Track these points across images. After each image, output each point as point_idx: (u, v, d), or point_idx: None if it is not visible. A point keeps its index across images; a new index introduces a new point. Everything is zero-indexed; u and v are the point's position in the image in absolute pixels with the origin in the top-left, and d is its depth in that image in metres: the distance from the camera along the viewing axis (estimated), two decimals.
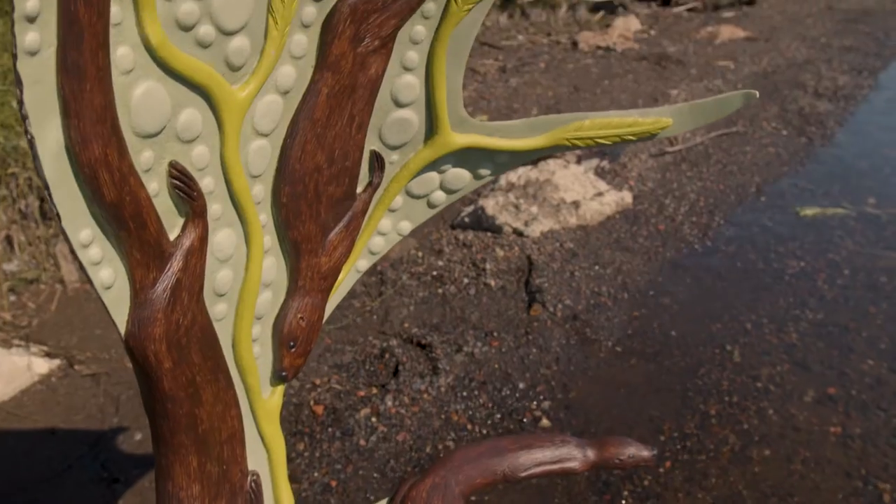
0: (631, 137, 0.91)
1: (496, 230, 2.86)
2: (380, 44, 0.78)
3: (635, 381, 2.13)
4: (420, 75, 0.83)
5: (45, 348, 2.36)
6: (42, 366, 2.25)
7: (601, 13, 5.90)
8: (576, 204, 2.95)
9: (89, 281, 0.66)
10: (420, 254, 2.76)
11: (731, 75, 4.95)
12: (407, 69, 0.82)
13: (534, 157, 0.93)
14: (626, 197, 3.12)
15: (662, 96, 4.40)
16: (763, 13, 6.81)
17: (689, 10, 6.45)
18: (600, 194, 3.05)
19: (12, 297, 2.64)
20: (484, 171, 0.93)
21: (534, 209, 2.90)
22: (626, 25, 5.57)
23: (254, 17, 0.69)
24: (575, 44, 5.26)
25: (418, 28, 0.80)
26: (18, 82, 0.55)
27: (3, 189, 2.89)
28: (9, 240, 2.86)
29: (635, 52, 5.30)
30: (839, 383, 2.08)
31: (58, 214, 0.61)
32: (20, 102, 0.56)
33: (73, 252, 0.64)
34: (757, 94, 0.90)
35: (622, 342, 2.30)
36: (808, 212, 3.22)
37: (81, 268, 0.65)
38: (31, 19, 0.54)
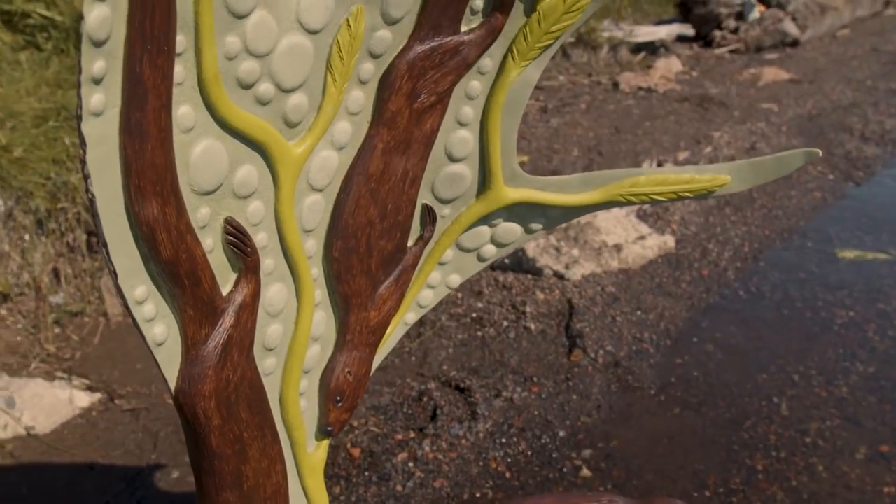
0: (688, 194, 0.89)
1: (537, 272, 2.84)
2: (436, 100, 0.78)
3: (679, 432, 2.07)
4: (474, 130, 0.83)
5: (86, 381, 2.38)
6: (83, 399, 2.27)
7: (642, 54, 5.89)
8: (617, 247, 2.92)
9: (142, 337, 0.66)
10: (459, 295, 2.75)
11: (776, 118, 4.89)
12: (462, 124, 0.82)
13: (587, 212, 0.92)
14: (669, 241, 3.08)
15: (705, 138, 4.36)
16: (807, 55, 6.74)
17: (732, 51, 6.42)
18: (642, 238, 3.01)
19: (57, 330, 2.67)
20: (536, 226, 0.91)
21: (575, 252, 2.87)
22: (668, 66, 5.55)
23: (313, 75, 0.69)
24: (616, 84, 5.25)
25: (474, 83, 0.80)
26: (82, 142, 0.55)
27: (53, 223, 2.95)
28: (56, 272, 2.91)
29: (677, 93, 5.27)
30: (893, 440, 2.01)
31: (114, 272, 0.61)
32: (82, 162, 0.56)
33: (126, 308, 0.64)
34: (820, 152, 0.88)
35: (665, 390, 2.25)
36: (848, 254, 3.15)
37: (135, 324, 0.65)
38: (98, 81, 0.54)
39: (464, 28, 0.76)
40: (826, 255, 3.16)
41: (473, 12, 0.76)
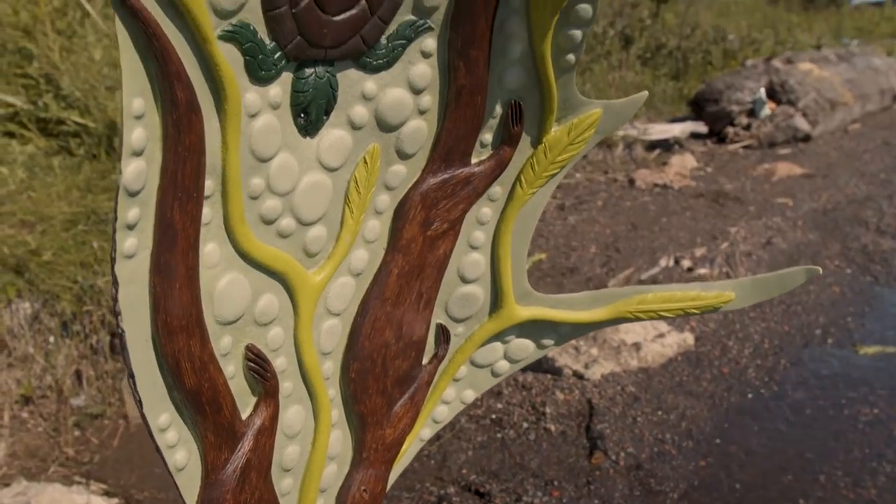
0: (694, 311, 0.91)
1: (556, 372, 2.83)
2: (448, 226, 0.82)
3: None
4: (486, 253, 0.86)
5: (104, 486, 2.38)
6: None
7: (657, 151, 6.01)
8: (636, 346, 2.92)
9: (164, 462, 0.68)
10: (479, 396, 2.74)
11: (791, 212, 4.93)
12: (473, 248, 0.86)
13: (597, 328, 0.94)
14: (688, 338, 3.08)
15: (721, 234, 4.39)
16: (819, 149, 6.84)
17: (745, 147, 6.53)
18: (661, 336, 3.01)
19: (77, 432, 2.69)
20: (547, 342, 0.94)
21: (594, 351, 2.87)
22: (683, 163, 5.65)
23: (331, 208, 0.74)
24: (632, 181, 5.34)
25: (485, 210, 0.84)
26: (115, 283, 0.59)
27: (78, 325, 3.00)
28: (78, 374, 2.95)
29: (692, 189, 5.34)
30: None
31: (139, 401, 0.64)
32: (114, 300, 0.60)
33: (150, 435, 0.66)
34: (820, 270, 0.90)
35: (689, 494, 2.21)
36: (870, 350, 3.12)
37: (157, 450, 0.67)
38: (131, 227, 0.58)
39: (474, 160, 0.81)
40: (847, 352, 3.13)
41: (483, 145, 0.80)
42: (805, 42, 11.10)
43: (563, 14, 0.73)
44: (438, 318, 0.88)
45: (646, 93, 0.84)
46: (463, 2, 0.70)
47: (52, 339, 3.03)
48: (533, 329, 0.92)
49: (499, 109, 0.79)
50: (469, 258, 0.86)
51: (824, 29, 14.27)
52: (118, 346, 2.99)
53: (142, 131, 0.56)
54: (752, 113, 6.73)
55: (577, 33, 0.74)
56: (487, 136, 0.80)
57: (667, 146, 6.20)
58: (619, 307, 0.91)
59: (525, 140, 0.81)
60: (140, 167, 0.57)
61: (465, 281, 0.87)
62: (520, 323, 0.90)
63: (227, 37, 0.59)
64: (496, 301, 0.89)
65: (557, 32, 0.74)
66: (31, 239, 3.26)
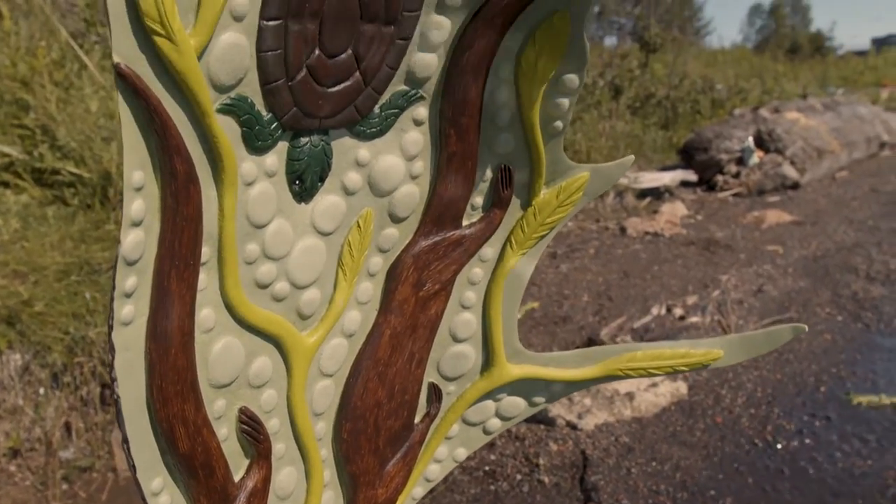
0: (683, 368, 0.92)
1: (549, 422, 2.82)
2: (440, 287, 0.83)
3: None
4: (477, 313, 0.87)
5: None
6: None
7: (648, 199, 6.07)
8: (630, 395, 2.91)
9: None
10: (471, 453, 2.72)
11: (781, 260, 4.97)
12: (465, 307, 0.87)
13: (588, 385, 0.95)
14: (681, 387, 3.07)
15: (713, 282, 4.42)
16: (808, 197, 6.92)
17: (735, 195, 6.60)
18: (654, 385, 3.01)
19: (65, 486, 2.65)
20: (539, 399, 0.95)
21: (587, 401, 2.87)
22: (673, 211, 5.70)
23: (325, 272, 0.75)
24: (623, 230, 5.38)
25: (476, 270, 0.85)
26: (111, 349, 0.60)
27: (68, 376, 2.98)
28: (67, 426, 2.92)
29: (683, 237, 5.39)
30: None
31: (133, 466, 0.64)
32: (110, 367, 0.60)
33: (143, 499, 0.66)
34: (805, 328, 0.92)
35: None
36: (863, 399, 3.12)
37: None
38: (129, 295, 0.60)
39: (465, 222, 0.82)
40: (840, 401, 3.13)
41: (473, 208, 0.82)
42: (791, 91, 11.31)
43: (551, 83, 0.75)
44: (430, 376, 0.89)
45: (632, 157, 0.86)
46: (454, 73, 0.73)
47: (42, 390, 3.01)
48: (524, 387, 0.93)
49: (489, 173, 0.81)
50: (461, 318, 0.87)
51: (810, 78, 14.55)
52: (109, 397, 2.97)
53: (141, 202, 0.58)
54: (740, 161, 6.82)
55: (565, 101, 0.76)
56: (478, 199, 0.82)
57: (657, 194, 6.26)
58: (610, 365, 0.92)
59: (515, 203, 0.83)
60: (139, 237, 0.58)
61: (456, 340, 0.88)
62: (511, 381, 0.91)
63: (226, 110, 0.61)
64: (488, 360, 0.90)
65: (545, 101, 0.76)
66: (24, 290, 3.26)
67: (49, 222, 3.99)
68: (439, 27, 0.70)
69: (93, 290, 3.28)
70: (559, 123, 0.78)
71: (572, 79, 0.75)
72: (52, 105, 4.45)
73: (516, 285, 0.87)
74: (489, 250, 0.85)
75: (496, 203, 0.82)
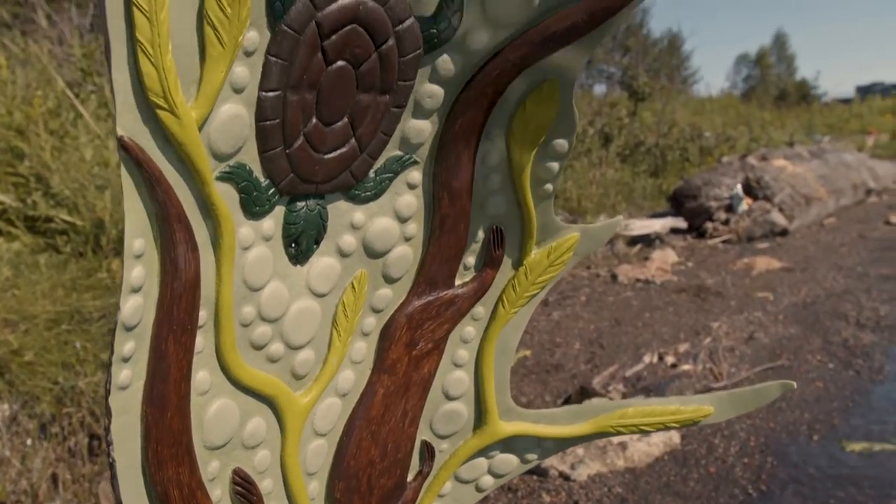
0: (674, 425, 0.93)
1: (542, 473, 2.80)
2: (433, 346, 0.84)
3: None
4: (470, 371, 0.88)
5: None
6: None
7: (638, 246, 6.11)
8: (622, 445, 2.90)
9: None
10: None
11: (772, 307, 4.99)
12: (458, 366, 0.88)
13: (580, 442, 0.95)
14: (674, 437, 3.06)
15: (704, 329, 4.43)
16: (797, 243, 6.97)
17: (724, 241, 6.65)
18: (647, 434, 3.00)
19: None
20: (531, 456, 0.95)
21: (580, 451, 2.85)
22: (664, 258, 5.74)
23: (320, 332, 0.76)
24: (614, 277, 5.41)
25: (468, 329, 0.87)
26: (108, 413, 0.61)
27: (56, 427, 2.95)
28: (54, 478, 2.88)
29: (674, 284, 5.41)
30: None
31: None
32: (106, 430, 0.61)
33: None
34: (794, 384, 0.93)
35: None
36: (856, 447, 3.12)
37: None
38: (127, 360, 0.60)
39: (458, 282, 0.84)
40: (833, 448, 3.12)
41: (466, 268, 0.84)
42: (778, 139, 11.47)
43: (541, 147, 0.77)
44: (423, 434, 0.90)
45: (620, 217, 0.88)
46: (447, 139, 0.75)
47: (29, 441, 2.98)
48: (517, 444, 0.93)
49: (481, 234, 0.83)
50: (453, 376, 0.88)
51: (796, 125, 14.77)
52: (97, 448, 2.94)
53: (141, 269, 0.59)
54: (729, 208, 6.88)
55: (555, 165, 0.79)
56: (470, 259, 0.84)
57: (648, 241, 6.31)
58: (601, 422, 0.92)
59: (507, 262, 0.85)
60: (138, 303, 0.60)
61: (449, 398, 0.89)
62: (504, 438, 0.92)
63: (225, 177, 0.63)
64: (480, 417, 0.91)
65: (536, 165, 0.78)
66: (14, 339, 3.24)
67: (41, 270, 3.98)
68: (433, 96, 0.72)
69: (83, 340, 3.27)
70: (549, 186, 0.80)
71: (562, 143, 0.77)
72: (47, 153, 4.48)
73: (508, 343, 0.88)
74: (481, 309, 0.86)
75: (488, 263, 0.84)
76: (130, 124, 0.55)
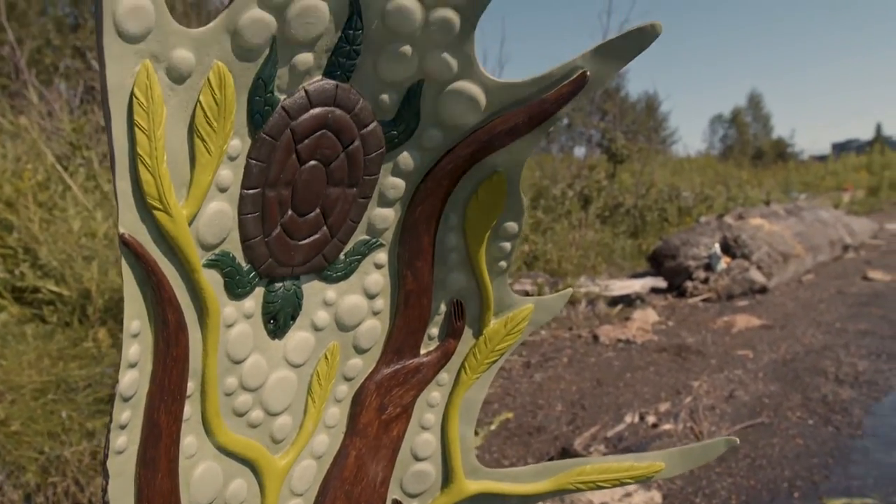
0: (629, 481, 1.01)
1: None
2: (401, 410, 0.92)
3: None
4: (436, 433, 0.96)
5: None
6: None
7: (619, 307, 6.21)
8: None
9: None
10: None
11: (752, 364, 5.07)
12: (425, 428, 0.95)
13: (542, 499, 1.03)
14: (656, 496, 3.10)
15: (685, 388, 4.49)
16: (776, 300, 7.10)
17: (704, 300, 6.76)
18: (629, 495, 3.04)
19: None
20: None
21: None
22: (645, 318, 5.83)
23: (296, 399, 0.84)
24: (596, 337, 5.48)
25: (434, 394, 0.95)
26: (105, 475, 0.68)
27: (41, 497, 2.96)
28: None
29: (655, 343, 5.49)
30: None
31: None
32: (104, 490, 0.68)
33: None
34: (737, 440, 1.01)
35: None
36: (836, 503, 3.16)
37: None
38: (123, 426, 0.68)
39: (423, 351, 0.92)
40: None
41: (430, 338, 0.92)
42: (755, 197, 11.72)
43: (494, 230, 0.87)
44: (394, 493, 0.97)
45: (570, 290, 0.98)
46: (409, 224, 0.84)
47: None
48: (482, 502, 1.00)
49: (443, 307, 0.91)
50: (421, 438, 0.95)
51: (773, 184, 15.07)
52: None
53: (137, 347, 0.67)
54: (708, 267, 7.02)
55: (507, 245, 0.88)
56: (434, 330, 0.92)
57: (628, 301, 6.41)
58: (561, 479, 1.00)
59: (467, 332, 0.93)
60: (134, 377, 0.68)
61: (417, 459, 0.96)
62: (469, 496, 0.99)
63: (211, 265, 0.72)
64: (447, 477, 0.98)
65: (490, 245, 0.88)
66: (1, 409, 3.27)
67: (27, 340, 4.02)
68: (395, 187, 0.82)
69: (69, 409, 3.30)
70: (503, 263, 0.90)
71: (512, 226, 0.87)
72: (36, 225, 4.56)
73: (471, 407, 0.96)
74: (445, 375, 0.94)
75: (450, 333, 0.92)
76: (130, 223, 0.64)
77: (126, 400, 0.68)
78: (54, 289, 4.47)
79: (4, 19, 7.69)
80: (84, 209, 4.70)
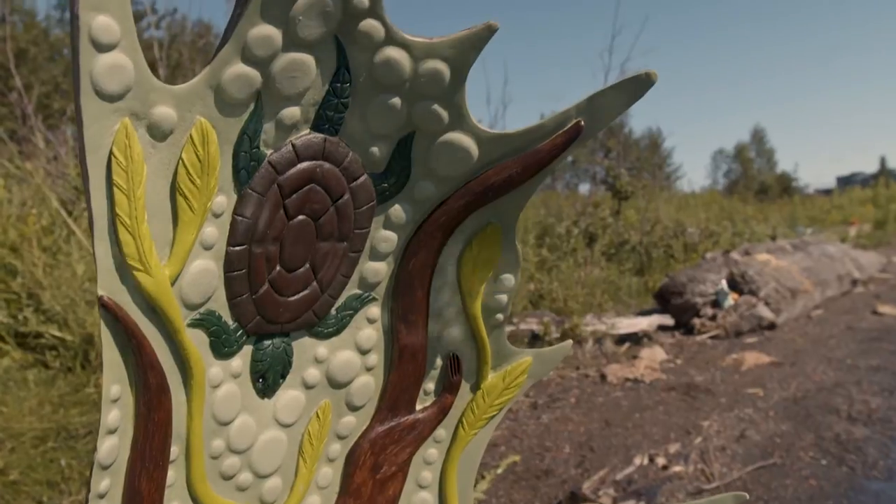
0: None
1: None
2: (396, 469, 0.89)
3: None
4: (434, 492, 0.93)
5: None
6: None
7: (627, 345, 6.15)
8: None
9: None
10: None
11: (762, 403, 5.00)
12: (422, 487, 0.92)
13: None
14: None
15: (694, 428, 4.42)
16: (785, 336, 7.02)
17: (712, 337, 6.70)
18: None
19: None
20: None
21: None
22: (652, 356, 5.77)
23: (286, 460, 0.81)
24: (603, 377, 5.42)
25: (431, 451, 0.91)
26: None
27: None
28: None
29: (663, 382, 5.42)
30: None
31: None
32: None
33: None
34: (747, 496, 0.97)
35: None
36: None
37: None
38: (102, 496, 0.65)
39: (418, 407, 0.89)
40: None
41: (426, 393, 0.89)
42: (761, 232, 11.68)
43: (490, 282, 0.85)
44: None
45: (570, 342, 0.95)
46: (402, 277, 0.82)
47: None
48: None
49: (439, 362, 0.89)
50: (418, 497, 0.92)
51: (779, 219, 15.04)
52: None
53: (117, 412, 0.65)
54: (716, 304, 6.97)
55: (503, 297, 0.86)
56: (430, 385, 0.89)
57: (636, 339, 6.35)
58: None
59: (465, 387, 0.91)
60: (113, 443, 0.65)
61: None
62: None
63: (196, 324, 0.70)
64: None
65: (486, 297, 0.85)
66: (0, 458, 3.23)
67: (29, 386, 3.99)
68: (387, 240, 0.80)
69: (68, 457, 3.26)
70: (500, 316, 0.87)
71: (508, 278, 0.84)
72: (40, 270, 4.56)
73: (470, 463, 0.93)
74: (443, 431, 0.91)
75: (447, 388, 0.90)
76: (110, 285, 0.62)
77: (105, 468, 0.65)
78: (57, 334, 4.46)
79: (13, 66, 7.79)
80: (88, 253, 4.70)
